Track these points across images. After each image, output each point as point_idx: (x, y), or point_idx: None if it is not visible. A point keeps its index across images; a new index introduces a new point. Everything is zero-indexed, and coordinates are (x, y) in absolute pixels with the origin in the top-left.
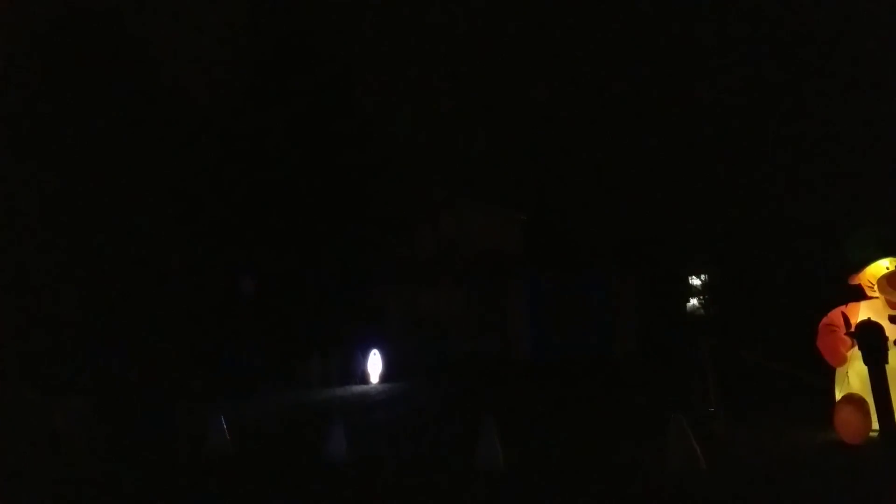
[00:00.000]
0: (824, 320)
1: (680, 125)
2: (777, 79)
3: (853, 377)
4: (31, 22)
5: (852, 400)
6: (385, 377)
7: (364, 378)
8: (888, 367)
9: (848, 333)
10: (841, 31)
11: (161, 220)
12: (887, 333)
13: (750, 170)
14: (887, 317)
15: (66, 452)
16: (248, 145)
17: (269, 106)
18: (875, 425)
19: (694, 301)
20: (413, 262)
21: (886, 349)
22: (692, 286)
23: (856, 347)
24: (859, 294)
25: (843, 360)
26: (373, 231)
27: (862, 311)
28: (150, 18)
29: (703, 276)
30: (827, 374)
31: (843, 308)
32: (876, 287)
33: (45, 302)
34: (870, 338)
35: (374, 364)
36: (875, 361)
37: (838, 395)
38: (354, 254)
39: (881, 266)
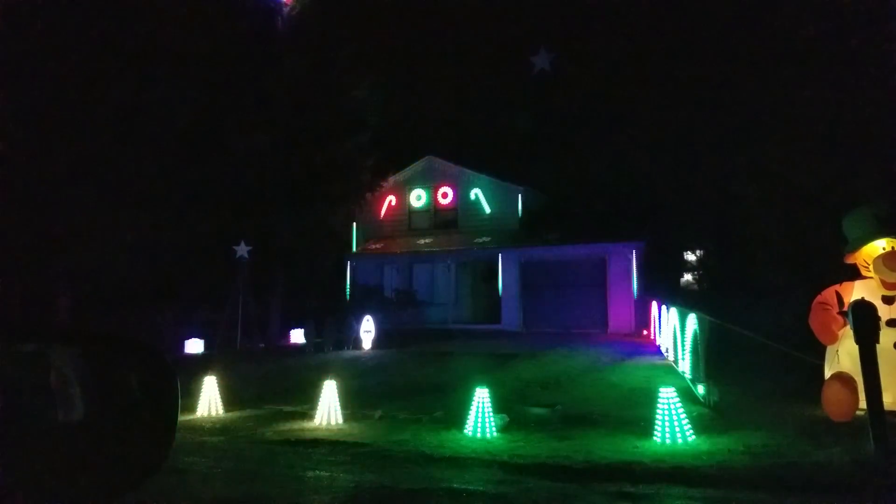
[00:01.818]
0: (818, 298)
1: (673, 91)
2: (775, 46)
3: (843, 356)
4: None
5: (841, 378)
6: (378, 344)
7: (357, 344)
8: (879, 347)
9: (840, 312)
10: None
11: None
12: (880, 314)
13: (746, 137)
14: (881, 297)
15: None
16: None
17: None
18: (863, 404)
19: (688, 276)
20: (410, 231)
21: (878, 329)
22: (687, 261)
23: (847, 326)
24: (853, 273)
25: (834, 339)
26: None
27: (856, 291)
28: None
29: (697, 252)
30: (817, 352)
31: (836, 287)
32: (871, 267)
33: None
34: (862, 317)
35: (367, 330)
36: (866, 341)
37: (828, 373)
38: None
39: (877, 246)
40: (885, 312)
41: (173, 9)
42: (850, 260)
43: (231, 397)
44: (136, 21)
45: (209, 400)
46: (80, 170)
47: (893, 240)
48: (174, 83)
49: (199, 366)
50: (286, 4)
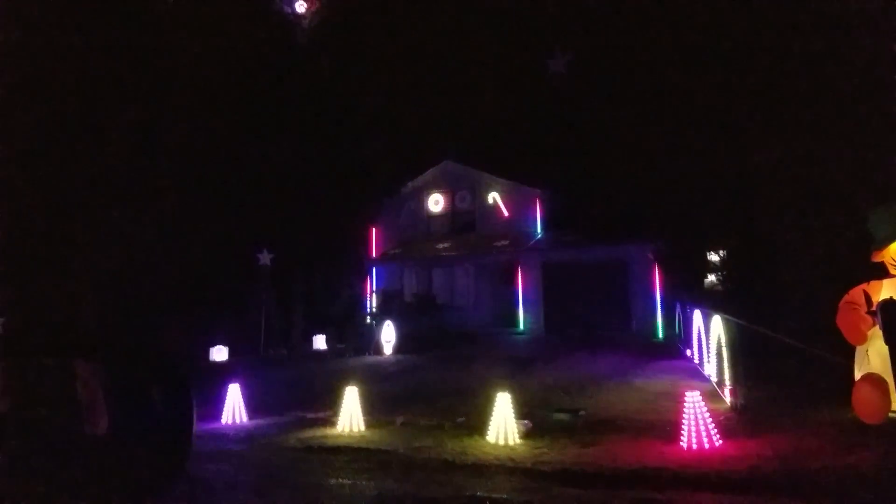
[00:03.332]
0: (845, 298)
1: (694, 89)
2: (798, 46)
3: (873, 356)
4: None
5: (872, 379)
6: (399, 349)
7: (378, 349)
8: None
9: (869, 312)
10: None
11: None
12: None
13: (769, 137)
14: None
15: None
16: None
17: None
18: (895, 405)
19: (712, 277)
20: (429, 235)
21: None
22: (710, 262)
23: (877, 326)
24: (882, 271)
25: (863, 339)
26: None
27: (884, 290)
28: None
29: (721, 252)
30: (847, 352)
31: (864, 286)
32: None
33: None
34: (891, 317)
35: (388, 335)
36: None
37: (858, 374)
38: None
39: None
40: None
41: (197, 20)
42: (877, 258)
43: (255, 404)
44: (161, 31)
45: (233, 407)
46: (105, 176)
47: None
48: (197, 92)
49: (223, 373)
50: (304, 17)
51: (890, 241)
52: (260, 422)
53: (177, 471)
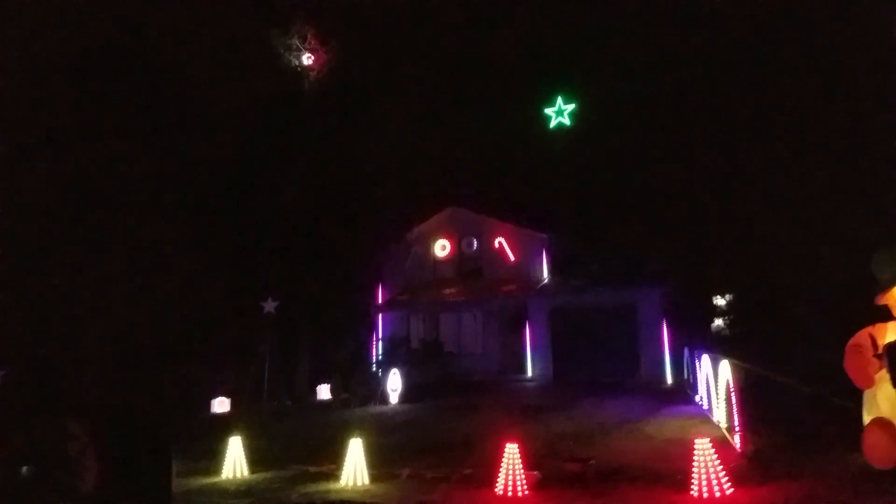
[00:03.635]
0: (851, 341)
1: (696, 137)
2: (798, 84)
3: (882, 400)
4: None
5: (881, 423)
6: (405, 398)
7: (384, 398)
8: None
9: (876, 355)
10: (868, 31)
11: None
12: None
13: (773, 182)
14: None
15: None
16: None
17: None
18: None
19: (719, 321)
20: (435, 281)
21: None
22: (717, 306)
23: (884, 370)
24: (886, 314)
25: (870, 383)
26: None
27: (890, 333)
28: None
29: (727, 296)
30: (856, 396)
31: (870, 329)
32: None
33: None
34: None
35: (394, 384)
36: None
37: (866, 419)
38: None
39: None
40: None
41: (205, 70)
42: (881, 301)
43: (257, 458)
44: (168, 83)
45: (234, 461)
46: (109, 230)
47: None
48: (202, 143)
49: (225, 426)
50: (312, 69)
51: (894, 283)
52: (262, 476)
53: None
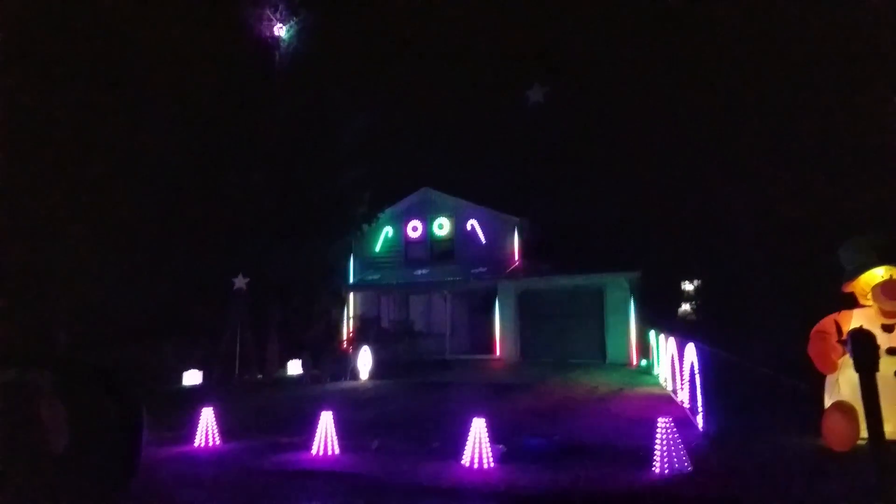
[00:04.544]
0: (816, 327)
1: (669, 124)
2: (771, 78)
3: (843, 384)
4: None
5: (841, 407)
6: (375, 375)
7: (354, 375)
8: (879, 376)
9: (839, 341)
10: (838, 27)
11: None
12: (879, 342)
13: (746, 171)
14: (880, 325)
15: None
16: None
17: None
18: (864, 433)
19: (686, 306)
20: (406, 262)
21: (878, 358)
22: (684, 291)
23: (847, 355)
24: (851, 302)
25: (833, 368)
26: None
27: (854, 319)
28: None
29: (694, 282)
30: (817, 381)
31: (835, 316)
32: (870, 295)
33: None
34: (862, 346)
35: (364, 361)
36: (866, 370)
37: (828, 402)
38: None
39: (876, 275)
40: (884, 341)
41: (169, 46)
42: (848, 289)
43: (228, 428)
44: (132, 59)
45: (206, 431)
46: (78, 207)
47: (892, 268)
48: (170, 121)
49: (196, 397)
50: (283, 40)
51: (860, 272)
52: (233, 445)
53: (127, 478)
